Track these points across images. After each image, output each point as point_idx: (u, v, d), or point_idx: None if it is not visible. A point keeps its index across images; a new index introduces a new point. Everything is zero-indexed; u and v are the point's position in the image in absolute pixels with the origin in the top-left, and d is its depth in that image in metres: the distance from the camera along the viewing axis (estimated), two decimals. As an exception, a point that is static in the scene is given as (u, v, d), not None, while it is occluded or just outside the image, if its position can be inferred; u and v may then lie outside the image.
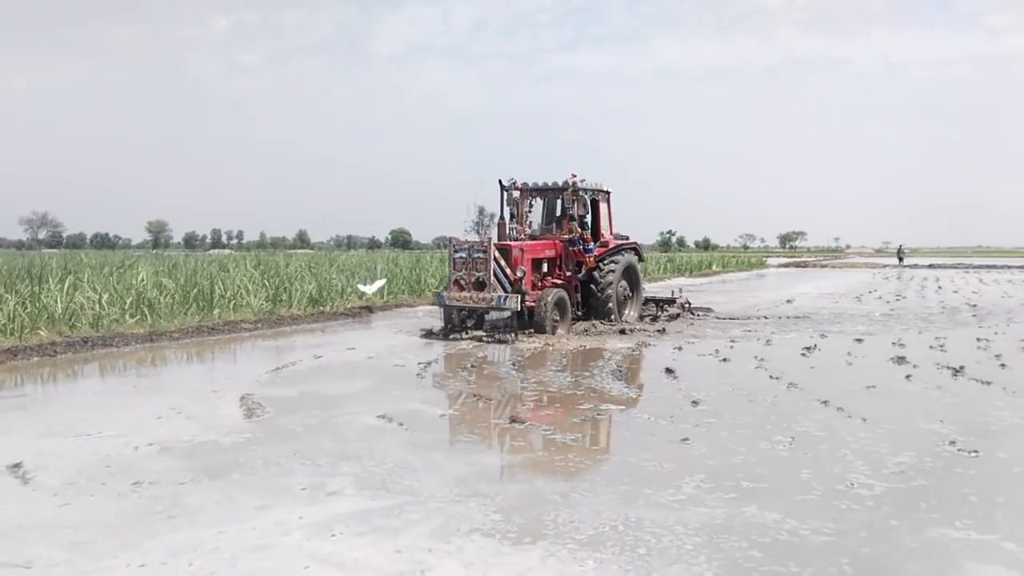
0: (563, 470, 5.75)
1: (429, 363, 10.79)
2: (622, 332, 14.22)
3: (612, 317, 14.99)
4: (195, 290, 16.50)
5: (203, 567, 4.00)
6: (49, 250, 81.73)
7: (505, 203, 15.07)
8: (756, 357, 11.32)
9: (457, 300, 13.63)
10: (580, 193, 14.98)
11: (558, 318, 13.84)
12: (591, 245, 15.14)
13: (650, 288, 20.63)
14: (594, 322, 14.86)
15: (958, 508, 4.98)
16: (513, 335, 13.10)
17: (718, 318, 17.59)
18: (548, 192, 15.69)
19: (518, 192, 15.49)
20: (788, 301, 22.64)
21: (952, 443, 6.50)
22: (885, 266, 57.66)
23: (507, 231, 14.73)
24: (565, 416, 7.54)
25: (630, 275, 16.11)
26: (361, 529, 4.48)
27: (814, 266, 61.41)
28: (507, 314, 13.55)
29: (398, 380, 9.59)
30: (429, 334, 14.06)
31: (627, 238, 16.54)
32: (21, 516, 4.82)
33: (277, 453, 6.13)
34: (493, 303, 13.23)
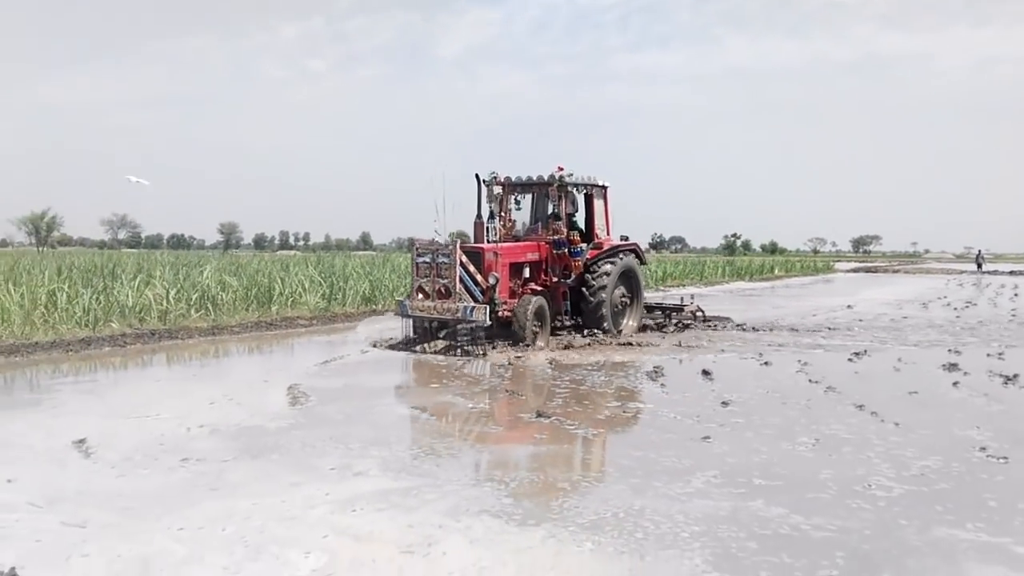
0: (579, 462, 6.00)
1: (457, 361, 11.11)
2: (598, 344, 12.75)
3: (605, 326, 13.42)
4: (256, 288, 17.25)
5: (234, 532, 4.39)
6: (128, 250, 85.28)
7: (485, 200, 13.38)
8: (800, 361, 11.30)
9: (420, 310, 12.00)
10: (568, 188, 13.43)
11: (538, 329, 12.33)
12: (580, 247, 13.47)
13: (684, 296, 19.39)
14: (581, 333, 13.35)
15: (974, 511, 5.01)
16: (481, 348, 11.60)
17: (740, 328, 15.88)
18: (533, 188, 13.95)
19: (499, 188, 13.80)
20: (848, 307, 22.26)
21: (983, 449, 6.47)
22: (962, 272, 55.70)
23: (484, 232, 13.07)
24: (593, 412, 7.75)
25: (629, 280, 14.47)
26: (380, 506, 4.82)
27: (886, 271, 59.85)
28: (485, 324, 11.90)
29: (438, 374, 9.94)
30: (393, 347, 12.33)
31: (627, 239, 14.82)
32: (81, 484, 5.31)
33: (314, 437, 6.55)
34: (458, 314, 11.58)
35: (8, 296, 13.95)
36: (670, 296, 18.18)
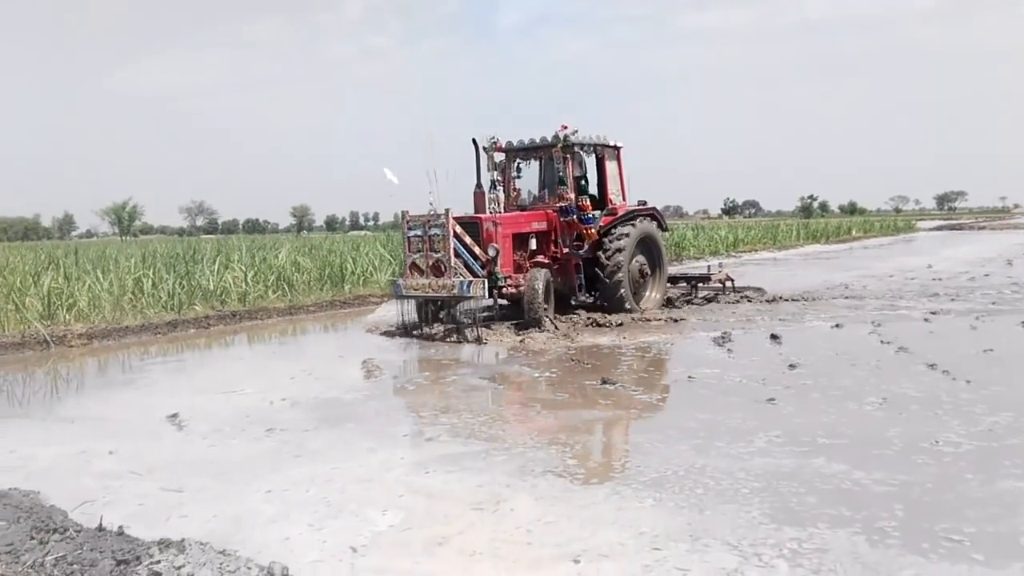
0: (642, 425, 6.14)
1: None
2: (620, 324, 11.32)
3: (627, 305, 12.00)
4: (329, 269, 17.79)
5: (317, 493, 4.71)
6: (206, 236, 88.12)
7: (485, 168, 12.23)
8: (873, 323, 11.13)
9: (414, 289, 10.93)
10: (575, 149, 12.14)
11: (546, 307, 11.09)
12: (591, 213, 12.11)
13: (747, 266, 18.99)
14: (600, 310, 11.99)
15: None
16: (475, 331, 10.58)
17: (778, 299, 14.06)
18: (537, 151, 12.62)
19: (501, 154, 12.68)
20: (928, 266, 21.64)
21: (1055, 404, 6.36)
22: (1052, 228, 53.16)
23: (485, 202, 11.94)
24: (656, 379, 7.87)
25: (648, 248, 12.97)
26: (451, 468, 5.08)
27: (970, 228, 57.53)
28: (486, 301, 11.10)
29: (508, 346, 10.16)
30: (389, 333, 11.43)
31: (645, 203, 13.34)
32: (176, 454, 5.73)
33: (387, 407, 6.88)
34: (455, 290, 10.54)
35: (98, 283, 14.80)
36: (723, 265, 16.54)
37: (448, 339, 10.65)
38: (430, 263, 10.88)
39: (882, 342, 9.55)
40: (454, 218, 10.82)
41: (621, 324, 11.36)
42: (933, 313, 11.93)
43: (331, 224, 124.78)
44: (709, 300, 14.30)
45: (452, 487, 4.74)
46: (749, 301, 14.04)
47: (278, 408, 7.05)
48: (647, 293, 12.98)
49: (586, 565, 3.61)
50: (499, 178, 12.48)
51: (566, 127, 12.02)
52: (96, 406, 7.61)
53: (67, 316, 12.91)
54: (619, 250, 12.00)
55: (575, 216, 11.97)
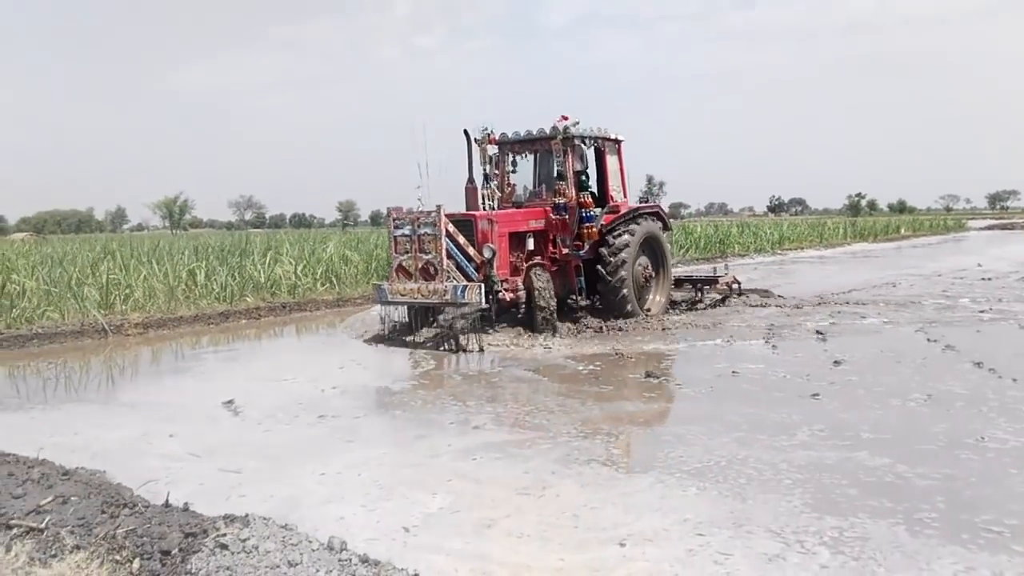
0: (685, 417, 6.22)
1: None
2: (619, 330, 10.55)
3: (629, 308, 11.08)
4: (375, 262, 18.09)
5: (369, 476, 4.90)
6: (254, 230, 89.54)
7: (477, 162, 11.41)
8: (923, 319, 11.02)
9: (401, 294, 10.02)
10: (575, 142, 11.13)
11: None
12: (593, 211, 11.10)
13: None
14: (602, 317, 11.11)
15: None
16: (473, 338, 9.61)
17: (784, 305, 13.08)
18: (534, 144, 11.67)
19: (494, 147, 11.71)
20: (978, 265, 21.23)
21: (1106, 403, 6.29)
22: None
23: (477, 198, 11.28)
24: (700, 373, 7.92)
25: (652, 249, 12.05)
26: (497, 455, 5.23)
27: (1023, 228, 56.02)
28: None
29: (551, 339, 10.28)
30: (375, 339, 10.45)
31: (647, 201, 12.15)
32: (233, 438, 5.98)
33: (434, 396, 7.06)
34: (447, 296, 9.62)
35: (153, 274, 15.28)
36: (729, 268, 15.32)
37: (441, 347, 9.70)
38: (419, 265, 10.02)
39: (928, 340, 9.47)
40: (446, 216, 9.97)
41: (622, 329, 10.55)
42: (981, 312, 11.75)
43: (376, 219, 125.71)
44: (714, 305, 13.25)
45: (498, 473, 4.90)
46: (764, 306, 13.01)
47: (329, 396, 7.27)
48: (651, 296, 12.07)
49: (631, 548, 3.72)
50: (493, 172, 11.53)
51: (566, 118, 11.09)
52: (155, 392, 7.92)
53: (124, 306, 13.37)
54: (622, 262, 11.01)
55: (576, 214, 10.97)
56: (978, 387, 7.00)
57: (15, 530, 4.14)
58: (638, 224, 11.57)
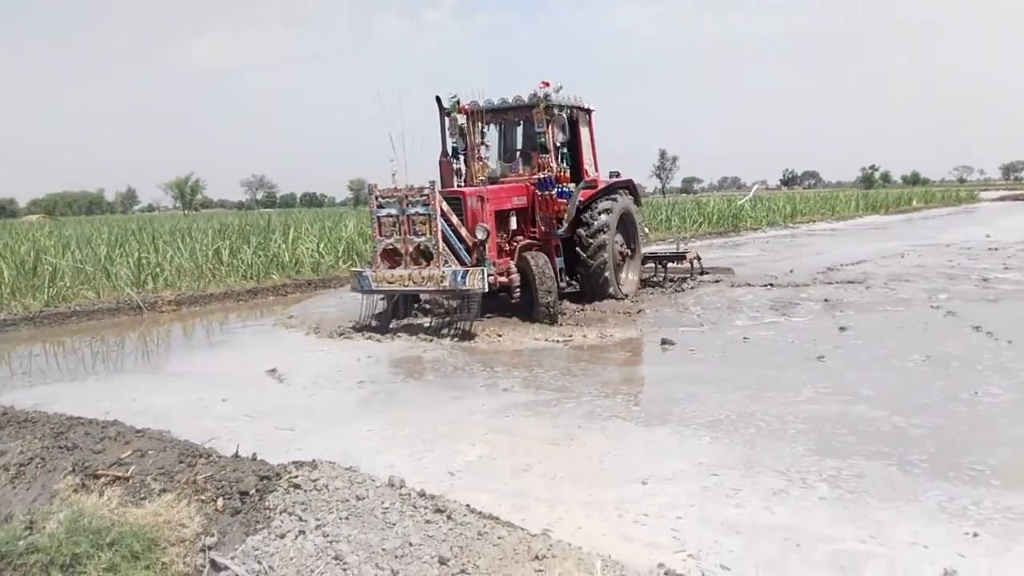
0: (698, 378, 6.68)
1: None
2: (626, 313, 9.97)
3: (611, 291, 10.48)
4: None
5: (412, 432, 5.41)
6: (265, 209, 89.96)
7: (448, 132, 10.68)
8: (929, 289, 11.42)
9: (389, 282, 9.07)
10: (555, 111, 10.26)
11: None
12: (569, 187, 10.42)
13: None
14: (584, 300, 10.46)
15: (1074, 414, 5.38)
16: (467, 326, 8.91)
17: (744, 284, 12.56)
18: (509, 113, 10.81)
19: (464, 116, 10.75)
20: (987, 236, 21.52)
21: (1093, 362, 6.69)
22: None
23: (451, 173, 10.50)
24: (713, 339, 8.38)
25: (626, 226, 11.45)
26: (527, 413, 5.73)
27: (1035, 199, 55.96)
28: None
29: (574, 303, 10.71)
30: (353, 331, 9.44)
31: (618, 175, 11.65)
32: (282, 402, 6.49)
33: (464, 363, 7.55)
34: (445, 282, 8.72)
35: (180, 254, 15.83)
36: (688, 243, 15.03)
37: (446, 334, 8.96)
38: (410, 249, 9.08)
39: (932, 307, 9.88)
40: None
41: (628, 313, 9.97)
42: (984, 280, 12.13)
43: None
44: (680, 280, 12.91)
45: (530, 427, 5.40)
46: (700, 280, 12.85)
47: (365, 364, 7.78)
48: (624, 275, 11.41)
49: (652, 486, 4.21)
50: (461, 144, 10.76)
51: (547, 83, 10.24)
52: (199, 363, 8.46)
53: (155, 284, 13.92)
54: (602, 230, 10.41)
55: (555, 190, 10.16)
56: (975, 349, 7.43)
57: (102, 479, 4.68)
58: (615, 200, 10.90)
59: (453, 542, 3.32)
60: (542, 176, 10.22)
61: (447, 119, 10.65)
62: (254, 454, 4.77)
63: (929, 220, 34.78)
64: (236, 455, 4.77)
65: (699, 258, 13.66)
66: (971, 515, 3.75)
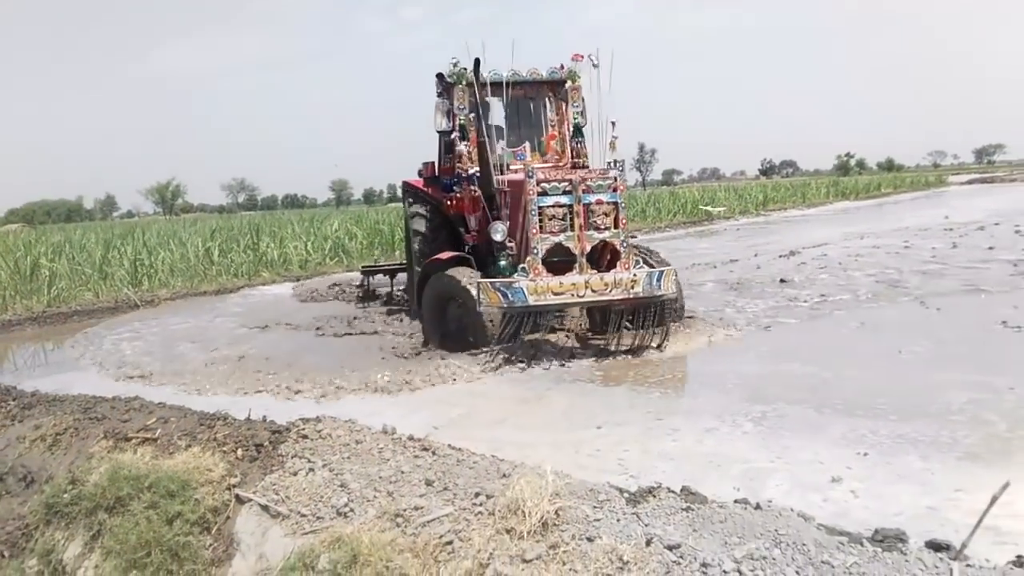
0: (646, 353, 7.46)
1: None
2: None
3: None
4: (379, 237, 19.31)
5: (400, 398, 6.13)
6: (246, 212, 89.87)
7: (456, 109, 8.91)
8: (880, 265, 12.28)
9: (556, 293, 6.94)
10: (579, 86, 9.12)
11: None
12: None
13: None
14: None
15: (976, 364, 6.12)
16: (658, 340, 7.24)
17: None
18: (522, 90, 9.21)
19: (466, 90, 8.81)
20: (945, 217, 22.44)
21: (1003, 323, 7.46)
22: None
23: (492, 155, 8.25)
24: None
25: None
26: (502, 379, 6.48)
27: (1002, 182, 57.33)
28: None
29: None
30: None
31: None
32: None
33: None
34: (638, 288, 7.04)
35: (172, 255, 16.49)
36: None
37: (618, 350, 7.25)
38: (587, 248, 7.21)
39: (876, 281, 10.72)
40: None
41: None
42: (932, 258, 13.01)
43: (368, 197, 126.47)
44: None
45: (504, 390, 6.16)
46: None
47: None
48: None
49: (606, 429, 4.98)
50: (468, 123, 8.95)
51: (581, 57, 8.82)
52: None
53: (151, 283, 14.58)
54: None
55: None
56: (909, 316, 8.25)
57: (133, 441, 5.39)
58: None
59: (437, 469, 4.07)
60: (580, 162, 8.99)
61: (455, 91, 8.90)
62: (264, 416, 5.49)
63: (899, 205, 35.88)
64: (248, 418, 5.49)
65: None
66: (866, 441, 4.52)
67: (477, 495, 3.66)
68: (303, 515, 3.93)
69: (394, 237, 19.33)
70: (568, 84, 9.19)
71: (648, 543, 3.06)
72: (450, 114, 9.05)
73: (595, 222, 7.27)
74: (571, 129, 9.27)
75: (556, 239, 7.17)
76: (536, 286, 6.91)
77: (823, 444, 4.49)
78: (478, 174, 8.57)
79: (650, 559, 2.95)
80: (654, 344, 7.22)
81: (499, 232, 7.68)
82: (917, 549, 2.96)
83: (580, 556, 3.04)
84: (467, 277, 7.53)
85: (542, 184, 7.16)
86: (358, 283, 12.33)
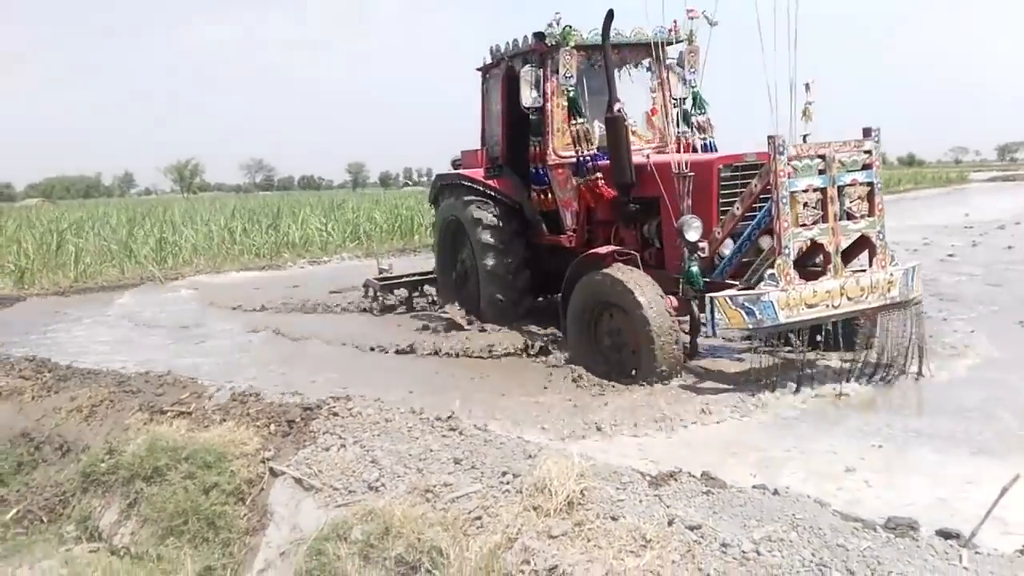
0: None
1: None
2: None
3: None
4: (399, 221, 19.48)
5: (376, 377, 6.31)
6: (263, 192, 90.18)
7: (562, 76, 7.01)
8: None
9: (807, 305, 5.43)
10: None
11: None
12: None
13: None
14: None
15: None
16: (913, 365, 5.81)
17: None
18: (623, 52, 7.59)
19: (570, 57, 7.00)
20: (965, 215, 22.36)
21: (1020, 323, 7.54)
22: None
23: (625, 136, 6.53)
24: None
25: None
26: (455, 367, 6.68)
27: (1024, 180, 56.85)
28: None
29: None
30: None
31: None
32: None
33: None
34: (894, 292, 5.70)
35: (196, 234, 16.73)
36: None
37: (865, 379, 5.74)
38: (840, 244, 5.74)
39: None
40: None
41: None
42: (950, 256, 13.03)
43: (384, 180, 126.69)
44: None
45: (456, 371, 6.51)
46: None
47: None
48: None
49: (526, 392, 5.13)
50: (539, 100, 7.21)
51: (695, 13, 7.09)
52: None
53: (175, 261, 14.83)
54: None
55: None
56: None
57: (168, 413, 5.59)
58: None
59: (465, 448, 4.24)
60: (697, 140, 7.48)
61: (558, 56, 7.08)
62: (295, 391, 5.68)
63: (918, 201, 35.64)
64: (280, 396, 5.68)
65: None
66: (882, 434, 4.66)
67: (504, 474, 3.83)
68: (335, 488, 4.11)
69: (413, 223, 19.50)
70: (684, 46, 7.63)
71: (670, 523, 3.21)
72: (539, 85, 7.20)
73: (849, 209, 5.75)
74: (689, 100, 7.70)
75: (809, 234, 5.57)
76: (788, 298, 5.34)
77: (839, 436, 4.63)
78: (587, 158, 6.86)
79: (672, 538, 3.10)
80: (912, 369, 5.76)
81: (695, 229, 5.84)
82: (928, 536, 3.10)
83: (604, 533, 3.20)
84: (636, 280, 5.88)
85: (793, 162, 5.52)
86: (363, 293, 10.23)
